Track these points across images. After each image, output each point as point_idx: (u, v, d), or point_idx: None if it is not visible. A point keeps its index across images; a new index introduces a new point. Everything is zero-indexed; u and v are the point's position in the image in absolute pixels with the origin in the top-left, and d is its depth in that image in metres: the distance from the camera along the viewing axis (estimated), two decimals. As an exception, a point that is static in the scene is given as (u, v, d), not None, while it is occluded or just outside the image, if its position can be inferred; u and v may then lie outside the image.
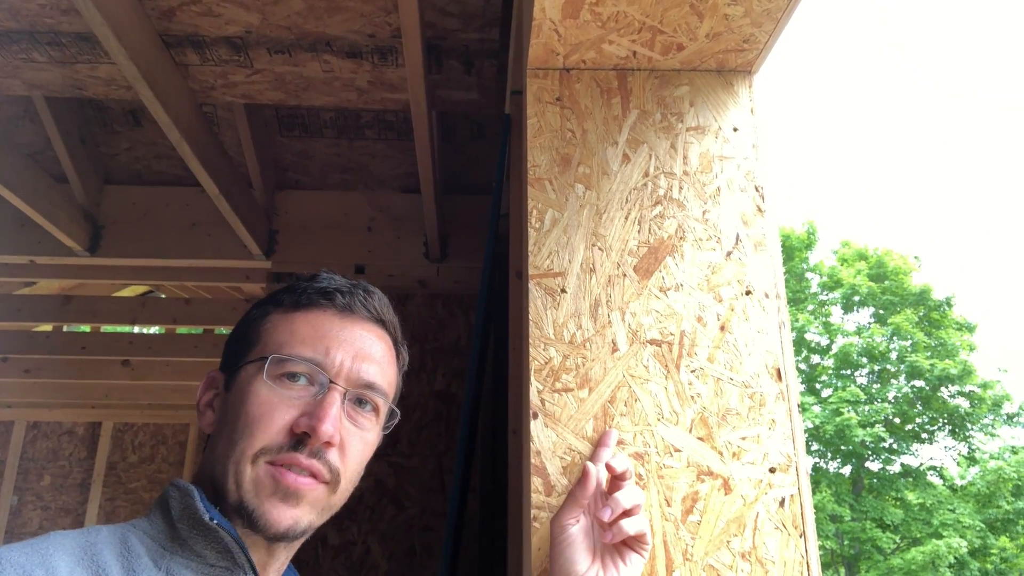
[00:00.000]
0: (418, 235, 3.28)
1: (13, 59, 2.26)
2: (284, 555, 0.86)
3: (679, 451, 1.05)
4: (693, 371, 1.09)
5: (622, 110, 1.24)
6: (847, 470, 17.98)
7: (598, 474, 0.96)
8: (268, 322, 0.89)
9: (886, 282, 18.74)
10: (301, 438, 0.80)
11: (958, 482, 17.79)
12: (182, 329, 5.41)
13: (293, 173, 3.28)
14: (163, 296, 5.48)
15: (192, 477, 0.85)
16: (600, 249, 1.15)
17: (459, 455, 1.73)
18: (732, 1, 1.15)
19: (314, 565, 2.85)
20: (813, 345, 19.48)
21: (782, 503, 1.03)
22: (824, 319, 19.61)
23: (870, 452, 17.43)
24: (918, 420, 17.95)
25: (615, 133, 1.23)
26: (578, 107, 1.24)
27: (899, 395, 17.93)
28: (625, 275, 1.14)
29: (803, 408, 17.33)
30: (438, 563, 2.85)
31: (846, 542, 17.00)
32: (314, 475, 0.81)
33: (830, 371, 19.00)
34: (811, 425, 17.25)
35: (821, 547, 16.47)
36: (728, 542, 1.01)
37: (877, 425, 17.11)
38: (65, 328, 5.32)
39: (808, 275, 20.07)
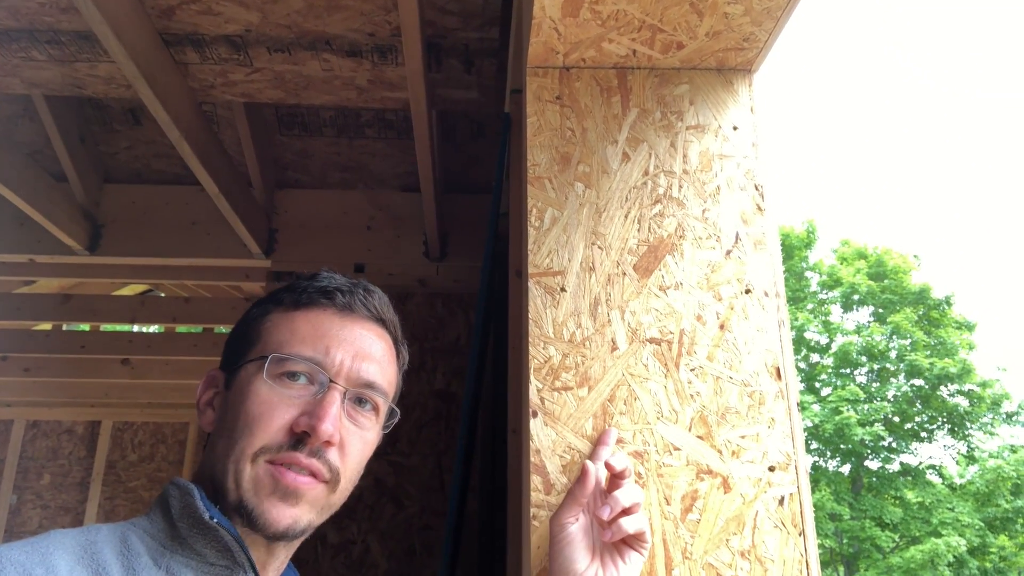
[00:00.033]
0: (418, 234, 3.28)
1: (12, 57, 2.26)
2: (284, 554, 0.86)
3: (678, 450, 1.05)
4: (692, 370, 1.09)
5: (622, 109, 1.24)
6: (846, 469, 17.99)
7: (597, 472, 0.96)
8: (268, 321, 0.89)
9: (885, 281, 18.74)
10: (301, 437, 0.80)
11: (957, 481, 17.80)
12: (182, 328, 5.41)
13: (293, 172, 3.27)
14: (163, 295, 5.47)
15: (192, 476, 0.85)
16: (600, 248, 1.15)
17: (459, 454, 1.73)
18: None
19: (314, 564, 2.86)
20: (812, 344, 19.49)
21: (781, 501, 1.03)
22: (823, 318, 19.62)
23: (869, 451, 17.44)
24: (917, 419, 17.96)
25: (615, 132, 1.23)
26: (578, 106, 1.24)
27: (898, 394, 17.94)
28: (625, 274, 1.14)
29: (802, 407, 17.34)
30: (438, 562, 2.85)
31: (845, 541, 17.01)
32: (314, 474, 0.81)
33: (829, 370, 19.01)
34: (810, 424, 17.26)
35: (820, 546, 16.48)
36: (727, 540, 1.01)
37: (876, 424, 17.12)
38: (65, 327, 5.32)
39: (808, 274, 20.08)
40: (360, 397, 0.87)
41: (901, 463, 17.82)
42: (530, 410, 1.06)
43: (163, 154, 3.17)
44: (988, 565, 16.09)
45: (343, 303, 0.90)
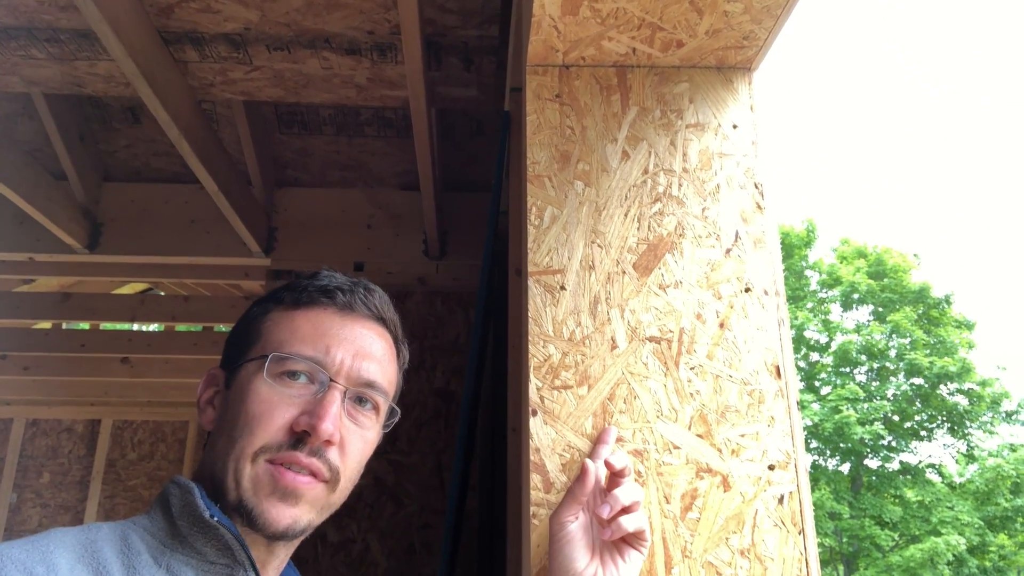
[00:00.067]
0: (417, 232, 3.28)
1: (12, 56, 2.26)
2: (284, 553, 0.86)
3: (678, 448, 1.05)
4: (692, 368, 1.09)
5: (621, 107, 1.24)
6: (846, 468, 18.00)
7: (597, 471, 0.96)
8: (269, 320, 0.89)
9: (885, 280, 18.74)
10: (301, 436, 0.80)
11: (957, 480, 17.81)
12: (181, 326, 5.41)
13: (292, 170, 3.27)
14: (162, 293, 5.48)
15: (192, 474, 0.85)
16: (599, 246, 1.15)
17: (458, 452, 1.73)
18: (732, -2, 1.15)
19: (313, 562, 2.86)
20: (812, 343, 19.49)
21: (781, 500, 1.03)
22: (823, 317, 19.62)
23: (869, 450, 17.45)
24: (917, 418, 17.97)
25: (614, 130, 1.22)
26: (577, 104, 1.24)
27: (898, 393, 17.95)
28: (624, 272, 1.14)
29: (802, 406, 17.34)
30: (437, 560, 2.85)
31: (845, 540, 17.02)
32: (313, 473, 0.81)
33: (829, 369, 19.01)
34: (810, 423, 17.27)
35: (820, 544, 16.49)
36: (727, 539, 1.01)
37: (876, 423, 17.12)
38: (64, 325, 5.32)
39: (807, 273, 20.08)
40: (360, 396, 0.87)
41: (901, 462, 17.83)
42: (530, 408, 1.06)
43: (162, 152, 3.17)
44: (987, 564, 16.11)
45: (344, 302, 0.90)
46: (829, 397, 17.73)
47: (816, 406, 17.77)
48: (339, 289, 0.90)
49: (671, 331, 1.11)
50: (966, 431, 17.87)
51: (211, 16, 2.11)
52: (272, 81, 2.39)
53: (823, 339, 19.47)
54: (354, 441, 0.85)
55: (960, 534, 15.64)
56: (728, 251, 1.16)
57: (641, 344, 1.10)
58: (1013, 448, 17.39)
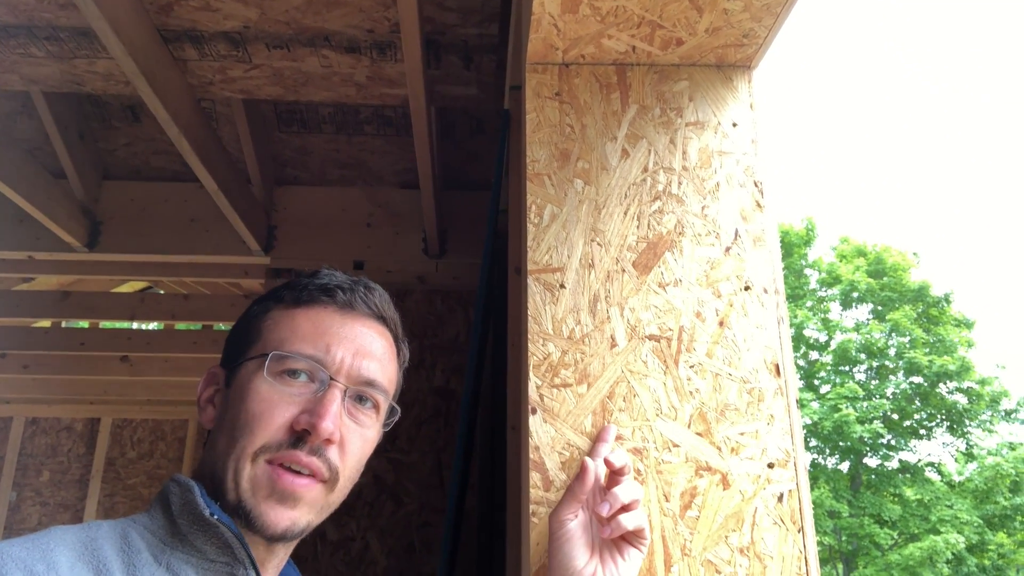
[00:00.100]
0: (417, 231, 3.28)
1: (11, 54, 2.25)
2: (283, 552, 0.86)
3: (678, 446, 1.05)
4: (692, 366, 1.09)
5: (621, 105, 1.24)
6: (845, 466, 18.01)
7: (596, 469, 0.96)
8: (269, 318, 0.89)
9: (885, 278, 18.74)
10: (301, 435, 0.80)
11: (956, 478, 17.82)
12: (181, 325, 5.41)
13: (292, 169, 3.27)
14: (162, 292, 5.48)
15: (192, 473, 0.85)
16: (599, 244, 1.15)
17: (458, 451, 1.74)
18: (731, -4, 1.15)
19: (313, 561, 2.86)
20: (812, 341, 19.49)
21: (780, 498, 1.03)
22: (823, 315, 19.62)
23: (868, 448, 17.45)
24: (916, 416, 17.97)
25: (614, 128, 1.22)
26: (577, 102, 1.24)
27: (897, 391, 17.95)
28: (624, 270, 1.14)
29: (801, 404, 17.35)
30: (437, 559, 2.85)
31: (844, 538, 17.03)
32: (313, 474, 0.81)
33: (828, 367, 19.01)
34: (809, 421, 17.27)
35: (819, 543, 16.50)
36: (726, 537, 1.01)
37: (875, 421, 17.13)
38: (64, 324, 5.32)
39: (807, 271, 20.08)
40: (361, 395, 0.87)
41: (900, 460, 17.83)
42: (529, 407, 1.06)
43: (162, 151, 3.16)
44: (986, 562, 16.12)
45: (344, 301, 0.90)
46: (828, 396, 17.74)
47: (815, 405, 17.78)
48: (339, 287, 0.90)
49: (670, 329, 1.11)
50: (965, 430, 17.87)
51: (210, 14, 2.11)
52: (271, 79, 2.39)
53: (822, 338, 19.47)
54: (354, 440, 0.85)
55: (959, 532, 15.65)
56: (728, 249, 1.16)
57: (640, 342, 1.10)
58: (1012, 447, 17.39)
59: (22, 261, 3.76)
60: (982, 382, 17.56)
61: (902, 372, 18.09)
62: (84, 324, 5.82)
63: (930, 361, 17.35)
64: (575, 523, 0.94)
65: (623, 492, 0.92)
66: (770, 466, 1.05)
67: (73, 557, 0.69)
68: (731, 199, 1.19)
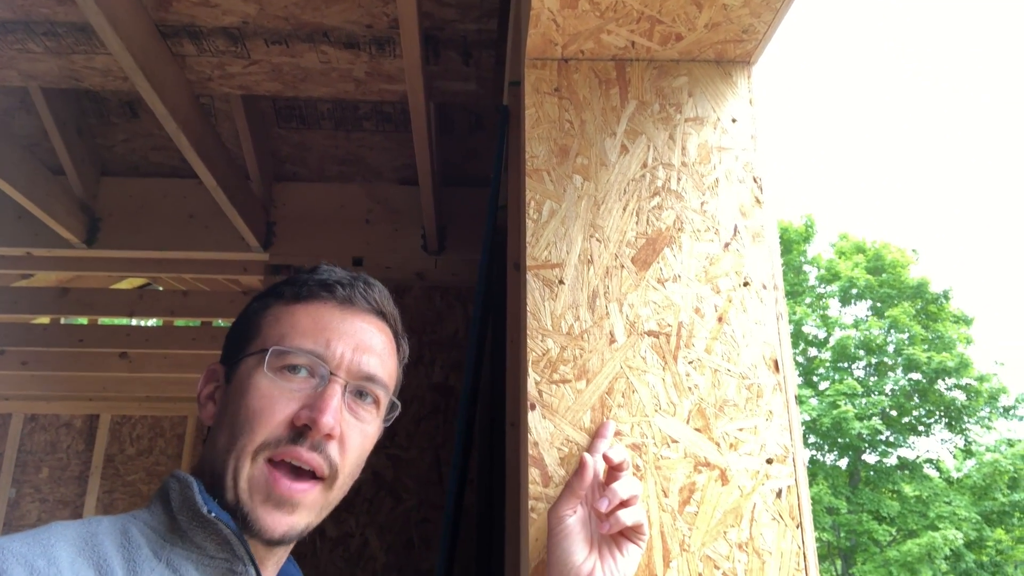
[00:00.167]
0: (416, 227, 3.28)
1: (9, 49, 2.25)
2: (283, 551, 0.86)
3: (676, 442, 1.05)
4: (691, 362, 1.09)
5: (620, 101, 1.24)
6: (844, 463, 18.04)
7: (595, 465, 0.96)
8: (269, 314, 0.89)
9: (884, 275, 18.75)
10: (302, 431, 0.80)
11: (954, 475, 17.85)
12: (180, 321, 5.41)
13: (291, 165, 3.27)
14: (160, 288, 5.47)
15: (191, 469, 0.84)
16: (598, 240, 1.15)
17: (457, 447, 1.74)
18: (731, -9, 1.15)
19: (312, 557, 2.86)
20: (811, 338, 19.51)
21: (779, 494, 1.04)
22: (822, 312, 19.63)
23: (867, 445, 17.48)
24: (915, 413, 17.99)
25: (613, 124, 1.22)
26: (576, 98, 1.24)
27: (896, 388, 17.97)
28: (623, 266, 1.14)
29: (800, 401, 17.34)
30: (436, 555, 2.86)
31: (843, 534, 17.06)
32: (313, 470, 0.80)
33: (827, 364, 19.03)
34: (808, 418, 17.29)
35: (818, 539, 16.53)
36: (725, 533, 1.01)
37: (874, 418, 17.14)
38: (63, 320, 5.31)
39: (806, 268, 20.08)
40: (361, 390, 0.86)
41: (898, 457, 17.86)
42: (528, 403, 1.06)
43: (161, 147, 3.16)
44: (985, 559, 16.15)
45: (343, 296, 0.90)
46: (827, 392, 17.75)
47: (814, 401, 17.80)
48: (339, 283, 0.90)
49: (669, 325, 1.11)
50: (964, 426, 17.90)
51: (209, 10, 2.10)
52: (270, 75, 2.39)
53: (821, 334, 19.49)
54: (354, 436, 0.85)
55: (957, 529, 15.68)
56: (727, 245, 1.16)
57: (639, 338, 1.10)
58: (1011, 443, 17.41)
59: (21, 258, 3.75)
60: (981, 379, 17.59)
61: (901, 369, 18.11)
62: (83, 320, 5.81)
63: (929, 358, 17.37)
64: (574, 519, 0.94)
65: (622, 488, 0.92)
66: (769, 462, 1.05)
67: (74, 553, 0.69)
68: (730, 195, 1.19)
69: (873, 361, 18.56)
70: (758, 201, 1.19)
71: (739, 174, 1.20)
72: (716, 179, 1.20)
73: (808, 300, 19.75)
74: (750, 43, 1.25)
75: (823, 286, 19.87)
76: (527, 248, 1.14)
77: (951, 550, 15.28)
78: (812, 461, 17.87)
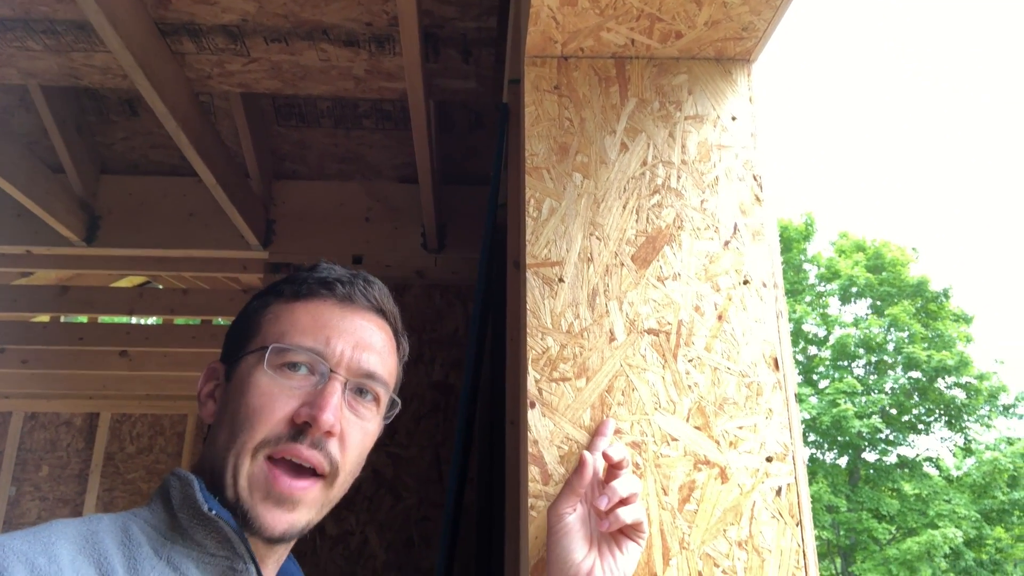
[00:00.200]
0: (416, 225, 3.28)
1: (8, 47, 2.25)
2: (283, 549, 0.86)
3: (676, 440, 1.05)
4: (690, 360, 1.09)
5: (620, 99, 1.24)
6: (843, 461, 18.05)
7: (595, 463, 0.96)
8: (269, 312, 0.89)
9: (883, 273, 18.75)
10: (302, 428, 0.80)
11: (954, 473, 17.86)
12: (180, 320, 5.41)
13: (290, 163, 3.27)
14: (160, 287, 5.47)
15: (191, 467, 0.84)
16: (598, 238, 1.15)
17: (457, 445, 1.74)
18: (731, -11, 1.15)
19: (312, 555, 2.86)
20: (810, 336, 19.51)
21: (779, 492, 1.03)
22: (821, 310, 19.63)
23: (867, 443, 17.48)
24: (915, 411, 18.00)
25: (613, 122, 1.22)
26: (576, 95, 1.24)
27: (896, 386, 17.98)
28: (623, 264, 1.13)
29: (800, 399, 17.35)
30: (436, 553, 2.86)
31: (842, 532, 17.07)
32: (314, 467, 0.80)
33: (827, 362, 19.03)
34: (808, 416, 17.30)
35: (817, 537, 16.54)
36: (725, 531, 1.01)
37: (874, 416, 17.15)
38: (62, 319, 5.31)
39: (806, 266, 20.08)
40: (361, 387, 0.86)
41: (898, 455, 17.87)
42: (528, 401, 1.06)
43: (160, 145, 3.16)
44: (984, 557, 16.16)
45: (343, 294, 0.90)
46: (827, 391, 17.76)
47: (814, 399, 17.81)
48: (339, 281, 0.90)
49: (669, 323, 1.10)
50: (963, 425, 17.91)
51: (208, 7, 2.10)
52: (270, 73, 2.39)
53: (821, 333, 19.49)
54: (354, 433, 0.85)
55: (957, 527, 15.69)
56: (727, 243, 1.16)
57: (639, 336, 1.09)
58: (1010, 441, 17.42)
59: (20, 256, 3.75)
60: (980, 377, 17.59)
61: (901, 367, 18.12)
62: (83, 319, 5.81)
63: (928, 356, 17.37)
64: (573, 517, 0.94)
65: (621, 486, 0.92)
66: (768, 460, 1.05)
67: (74, 550, 0.69)
68: (730, 193, 1.19)
69: (873, 359, 18.57)
70: (758, 199, 1.19)
71: (739, 172, 1.20)
72: (716, 177, 1.19)
73: (808, 298, 19.75)
74: (750, 41, 1.24)
75: (823, 284, 19.87)
76: (527, 246, 1.14)
77: (951, 548, 15.29)
78: (812, 459, 17.88)
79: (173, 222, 3.23)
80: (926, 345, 17.91)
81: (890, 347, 18.29)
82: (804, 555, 1.01)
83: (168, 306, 4.58)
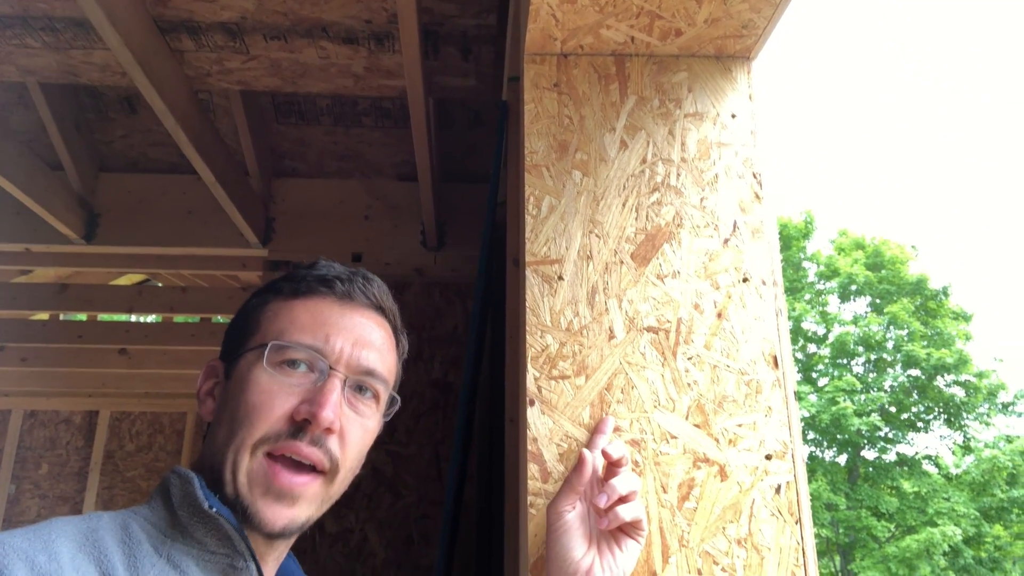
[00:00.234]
0: (415, 223, 3.27)
1: (7, 44, 2.24)
2: (283, 546, 0.86)
3: (675, 438, 1.05)
4: (690, 358, 1.09)
5: (620, 96, 1.24)
6: (843, 459, 18.06)
7: (594, 461, 0.96)
8: (268, 310, 0.89)
9: (883, 271, 18.75)
10: (301, 425, 0.80)
11: (953, 471, 17.87)
12: (179, 317, 5.41)
13: (290, 161, 3.26)
14: (160, 285, 5.47)
15: (191, 465, 0.84)
16: (597, 236, 1.15)
17: (456, 443, 1.74)
18: (731, -14, 1.14)
19: (311, 553, 2.86)
20: (810, 334, 19.52)
21: (778, 490, 1.04)
22: (821, 308, 19.64)
23: (866, 441, 17.50)
24: (914, 409, 18.01)
25: (613, 119, 1.22)
26: (576, 93, 1.24)
27: (895, 384, 17.99)
28: (622, 262, 1.13)
29: (799, 397, 17.31)
30: (435, 551, 2.86)
31: (841, 530, 17.09)
32: (314, 464, 0.80)
33: (826, 360, 19.05)
34: (807, 414, 17.31)
35: (816, 535, 16.56)
36: (724, 528, 1.01)
37: (873, 414, 17.17)
38: (62, 316, 5.31)
39: (805, 264, 20.09)
40: (360, 384, 0.86)
41: (897, 453, 17.88)
42: (527, 399, 1.06)
43: (159, 143, 3.15)
44: (983, 555, 16.19)
45: (342, 291, 0.90)
46: (826, 388, 17.77)
47: (813, 397, 17.82)
48: (338, 278, 0.90)
49: (669, 321, 1.10)
50: (963, 422, 17.92)
51: (207, 5, 2.10)
52: (269, 70, 2.38)
53: (820, 330, 19.50)
54: (354, 430, 0.85)
55: (956, 525, 15.71)
56: (726, 241, 1.15)
57: (639, 334, 1.09)
58: (1009, 439, 17.44)
59: (19, 253, 3.75)
60: (980, 375, 17.61)
61: (900, 365, 18.13)
62: (82, 317, 5.82)
63: (928, 354, 17.39)
64: (573, 514, 0.94)
65: (621, 483, 0.92)
66: (768, 458, 1.05)
67: (74, 548, 0.69)
68: (730, 191, 1.19)
69: (872, 357, 18.58)
70: (757, 197, 1.19)
71: (739, 170, 1.20)
72: (716, 175, 1.19)
73: (807, 296, 19.76)
74: (750, 38, 1.24)
75: (822, 282, 19.88)
76: (526, 244, 1.14)
77: (949, 546, 15.31)
78: (811, 457, 17.89)
79: (172, 220, 3.23)
80: (925, 343, 17.92)
81: (889, 345, 18.30)
82: (803, 553, 1.01)
83: (167, 304, 4.58)
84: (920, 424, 18.18)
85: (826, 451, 18.09)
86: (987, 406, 17.76)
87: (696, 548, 1.00)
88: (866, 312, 19.24)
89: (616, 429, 1.04)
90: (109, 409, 7.13)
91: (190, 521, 0.76)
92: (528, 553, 1.00)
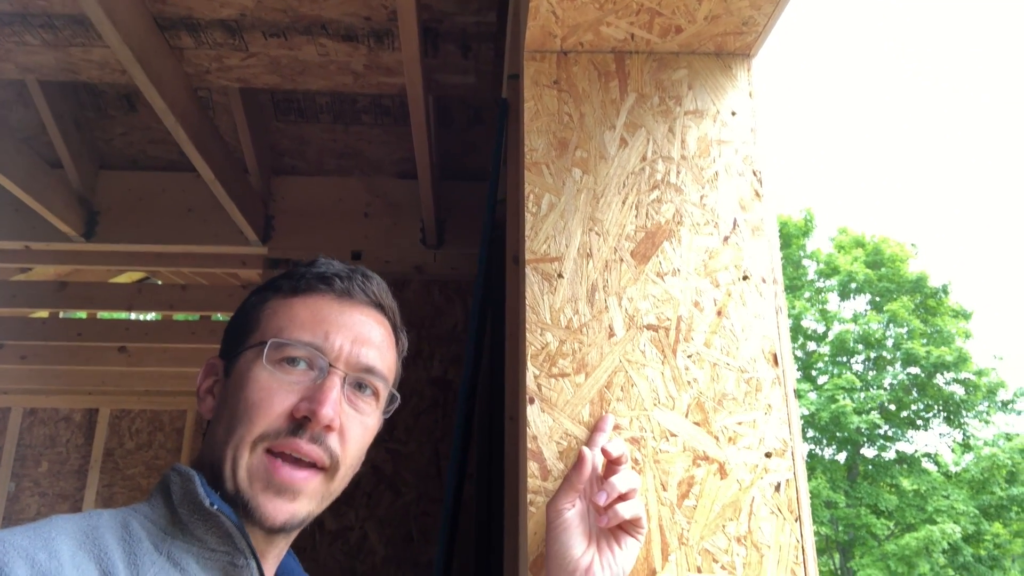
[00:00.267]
0: (415, 221, 3.27)
1: (6, 42, 2.24)
2: (283, 542, 0.86)
3: (675, 436, 1.05)
4: (690, 356, 1.09)
5: (620, 93, 1.23)
6: (842, 457, 18.07)
7: (594, 459, 0.96)
8: (267, 308, 0.89)
9: (883, 269, 18.76)
10: (301, 423, 0.80)
11: (952, 469, 17.89)
12: (179, 315, 5.42)
13: (289, 158, 3.26)
14: (159, 282, 5.47)
15: (191, 462, 0.84)
16: (597, 234, 1.15)
17: (456, 441, 1.74)
18: (731, -17, 1.14)
19: (311, 551, 2.87)
20: (809, 332, 19.53)
21: (778, 488, 1.03)
22: (821, 306, 19.65)
23: (865, 439, 17.51)
24: (913, 407, 18.03)
25: (613, 117, 1.22)
26: (575, 90, 1.23)
27: (895, 382, 18.00)
28: (622, 260, 1.13)
29: (799, 395, 17.30)
30: (435, 548, 2.86)
31: (841, 528, 17.11)
32: (314, 462, 0.80)
33: (826, 358, 19.06)
34: (807, 412, 17.32)
35: (816, 533, 16.56)
36: (724, 526, 1.01)
37: (872, 412, 17.17)
38: (61, 314, 5.31)
39: (805, 262, 20.09)
40: (360, 382, 0.86)
41: (897, 451, 17.89)
42: (527, 397, 1.06)
43: (159, 140, 3.15)
44: (982, 552, 16.21)
45: (342, 289, 0.89)
46: (826, 386, 17.78)
47: (813, 395, 17.82)
48: (337, 276, 0.90)
49: (669, 319, 1.10)
50: (962, 420, 17.93)
51: (207, 2, 2.09)
52: (268, 68, 2.38)
53: (820, 328, 19.51)
54: (354, 427, 0.85)
55: (955, 523, 15.73)
56: (726, 239, 1.15)
57: (639, 332, 1.09)
58: (1009, 437, 17.45)
59: (19, 251, 3.75)
60: (979, 373, 17.62)
61: (899, 363, 18.14)
62: (82, 315, 5.81)
63: (927, 352, 17.39)
64: (572, 512, 0.94)
65: (620, 481, 0.92)
66: (767, 455, 1.05)
67: (74, 546, 0.69)
68: (730, 188, 1.18)
69: (872, 355, 18.59)
70: (757, 195, 1.19)
71: (739, 167, 1.20)
72: (716, 172, 1.19)
73: (807, 294, 19.77)
74: (750, 36, 1.24)
75: (822, 280, 19.88)
76: (526, 242, 1.14)
77: (949, 544, 15.33)
78: (811, 455, 17.91)
79: (172, 218, 3.22)
80: (925, 341, 17.93)
81: (889, 343, 18.30)
82: (803, 551, 1.01)
83: (167, 302, 4.58)
84: (920, 422, 18.20)
85: (825, 449, 18.10)
86: (986, 404, 17.78)
87: (696, 546, 1.00)
88: (866, 310, 19.25)
89: (616, 427, 1.04)
90: (109, 407, 7.13)
91: (190, 519, 0.76)
92: (528, 551, 1.00)
